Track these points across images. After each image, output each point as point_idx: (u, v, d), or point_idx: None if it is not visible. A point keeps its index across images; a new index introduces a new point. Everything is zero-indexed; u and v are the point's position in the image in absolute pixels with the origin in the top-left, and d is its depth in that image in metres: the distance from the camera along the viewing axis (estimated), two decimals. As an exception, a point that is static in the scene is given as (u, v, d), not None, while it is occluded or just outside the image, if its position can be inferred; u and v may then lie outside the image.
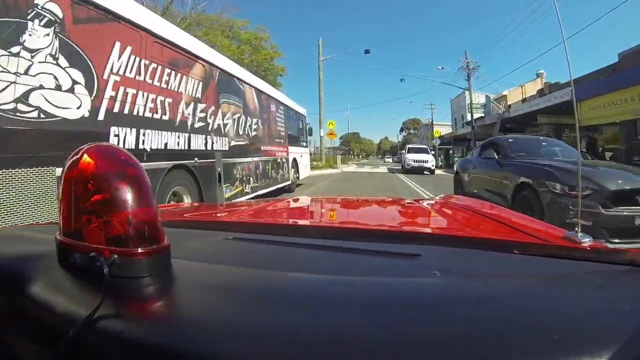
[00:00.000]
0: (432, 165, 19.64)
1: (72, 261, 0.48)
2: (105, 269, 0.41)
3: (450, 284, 0.52)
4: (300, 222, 1.27)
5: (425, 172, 19.13)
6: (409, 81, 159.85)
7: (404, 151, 22.86)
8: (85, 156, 0.48)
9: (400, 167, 23.90)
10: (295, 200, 2.01)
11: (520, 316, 0.39)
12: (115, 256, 0.44)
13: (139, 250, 0.46)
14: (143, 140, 3.30)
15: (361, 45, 38.09)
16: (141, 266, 0.46)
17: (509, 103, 25.05)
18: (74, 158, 0.48)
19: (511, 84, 32.00)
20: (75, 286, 0.46)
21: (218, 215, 1.41)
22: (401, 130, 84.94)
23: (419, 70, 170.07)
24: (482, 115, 30.37)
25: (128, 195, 0.46)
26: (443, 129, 45.29)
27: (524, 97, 23.65)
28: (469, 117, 37.02)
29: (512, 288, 0.49)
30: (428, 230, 1.10)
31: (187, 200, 4.01)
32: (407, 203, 1.61)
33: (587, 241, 0.74)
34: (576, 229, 0.81)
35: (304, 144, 11.59)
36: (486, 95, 26.52)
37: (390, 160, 58.94)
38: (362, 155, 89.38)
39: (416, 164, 19.51)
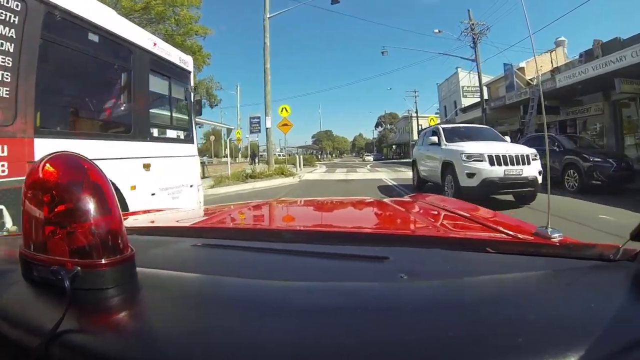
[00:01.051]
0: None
1: (35, 275, 0.46)
2: (66, 282, 0.40)
3: (416, 287, 0.53)
4: (270, 226, 1.24)
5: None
6: (390, 65, 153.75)
7: (421, 140, 9.28)
8: (48, 165, 0.46)
9: (407, 178, 12.82)
10: (268, 204, 1.88)
11: (484, 319, 0.39)
12: (79, 268, 0.43)
13: (103, 261, 0.45)
14: None
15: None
16: (105, 277, 0.45)
17: (527, 77, 18.63)
18: (36, 167, 0.47)
19: (518, 58, 25.97)
20: (39, 301, 0.45)
21: (188, 221, 1.39)
22: (376, 125, 79.04)
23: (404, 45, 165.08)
24: (485, 98, 23.67)
25: (91, 205, 0.45)
26: (426, 121, 39.14)
27: (554, 66, 16.94)
28: (464, 102, 30.46)
29: (479, 290, 0.50)
30: (397, 231, 1.11)
31: None
32: (379, 204, 1.65)
33: (557, 236, 0.78)
34: (546, 225, 0.83)
35: (184, 134, 4.91)
36: (506, 65, 19.29)
37: (370, 158, 49.60)
38: (335, 153, 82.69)
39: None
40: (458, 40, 20.10)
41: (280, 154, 54.45)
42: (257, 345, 0.35)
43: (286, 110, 15.49)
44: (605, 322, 0.36)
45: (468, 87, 27.95)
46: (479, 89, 29.86)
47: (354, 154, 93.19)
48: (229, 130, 21.98)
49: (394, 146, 60.48)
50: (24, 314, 0.43)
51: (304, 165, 24.01)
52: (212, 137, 23.75)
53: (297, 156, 20.76)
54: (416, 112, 36.76)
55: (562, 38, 21.00)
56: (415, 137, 51.55)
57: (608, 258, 0.58)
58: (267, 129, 15.58)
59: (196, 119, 5.39)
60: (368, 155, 52.49)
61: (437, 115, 46.62)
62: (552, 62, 18.24)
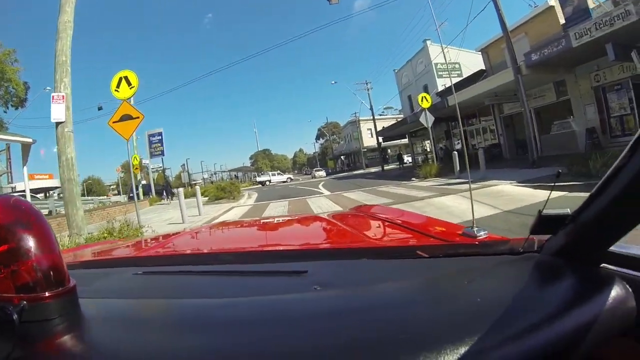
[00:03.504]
0: None
1: None
2: (14, 315, 0.43)
3: (325, 296, 0.58)
4: (202, 250, 1.28)
5: None
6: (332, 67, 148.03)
7: None
8: None
9: None
10: (208, 228, 2.03)
11: (387, 321, 0.43)
12: (25, 302, 0.45)
13: (46, 294, 0.47)
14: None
15: None
16: (49, 309, 0.47)
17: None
18: None
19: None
20: None
21: (130, 252, 1.43)
22: (317, 137, 71.38)
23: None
24: (482, 69, 15.84)
25: (32, 243, 0.48)
26: (381, 123, 31.32)
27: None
28: (440, 84, 23.08)
29: (387, 294, 0.55)
30: (319, 246, 1.18)
31: None
32: (315, 219, 1.82)
33: (482, 234, 0.87)
34: (472, 225, 0.92)
35: None
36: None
37: (322, 173, 38.63)
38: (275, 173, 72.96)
39: None
40: None
41: (200, 181, 43.22)
42: (191, 357, 0.40)
43: (128, 83, 5.78)
44: (508, 307, 0.42)
45: (443, 64, 20.31)
46: (456, 65, 23.20)
47: (295, 172, 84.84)
48: (26, 147, 11.37)
49: (342, 157, 52.48)
50: None
51: (216, 199, 13.89)
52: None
53: (196, 187, 10.73)
54: (371, 107, 28.58)
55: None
56: (368, 142, 44.02)
57: (517, 251, 0.67)
58: (57, 125, 5.56)
59: None
60: (319, 171, 41.16)
61: (398, 111, 39.30)
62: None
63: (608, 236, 0.51)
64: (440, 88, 20.70)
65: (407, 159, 32.21)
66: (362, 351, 0.37)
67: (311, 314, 0.49)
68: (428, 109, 12.83)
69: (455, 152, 11.51)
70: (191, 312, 0.55)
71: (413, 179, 13.77)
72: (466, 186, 8.57)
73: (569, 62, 10.48)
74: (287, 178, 34.85)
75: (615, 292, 0.46)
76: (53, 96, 5.44)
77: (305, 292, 0.60)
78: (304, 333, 0.43)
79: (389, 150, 42.28)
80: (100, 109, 20.06)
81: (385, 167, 28.49)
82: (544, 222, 0.59)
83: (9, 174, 24.70)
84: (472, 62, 20.31)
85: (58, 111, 5.38)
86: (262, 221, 2.13)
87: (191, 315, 0.54)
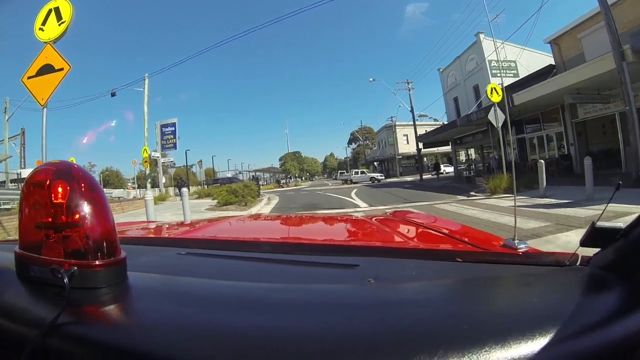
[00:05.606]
0: None
1: (31, 274, 0.50)
2: (65, 279, 0.44)
3: (381, 288, 0.59)
4: (251, 237, 1.27)
5: None
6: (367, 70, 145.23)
7: None
8: (45, 173, 0.50)
9: None
10: (250, 218, 2.10)
11: (441, 313, 0.44)
12: (75, 268, 0.46)
13: (97, 262, 0.49)
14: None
15: None
16: (99, 277, 0.49)
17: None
18: (35, 175, 0.51)
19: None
20: (34, 297, 0.49)
21: (173, 232, 1.45)
22: (350, 142, 69.09)
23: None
24: (551, 64, 13.01)
25: (86, 211, 0.49)
26: (421, 129, 28.45)
27: None
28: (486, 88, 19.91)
29: (441, 289, 0.57)
30: (369, 243, 1.19)
31: None
32: (355, 219, 1.84)
33: (523, 247, 0.84)
34: (513, 237, 0.93)
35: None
36: None
37: (364, 176, 32.93)
38: (304, 176, 71.52)
39: None
40: None
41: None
42: (238, 334, 0.40)
43: (58, 17, 3.78)
44: (555, 314, 0.41)
45: (497, 61, 17.45)
46: (512, 63, 20.10)
47: (325, 176, 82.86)
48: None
49: (375, 163, 49.73)
50: (20, 309, 0.46)
51: (225, 204, 11.88)
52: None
53: (184, 189, 8.62)
54: (411, 109, 25.70)
55: None
56: (402, 149, 40.97)
57: (563, 264, 0.66)
58: None
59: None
60: (361, 174, 34.18)
61: (433, 119, 36.11)
62: None
63: None
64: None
65: (445, 168, 29.22)
66: (421, 339, 0.37)
67: (368, 303, 0.49)
68: (497, 104, 10.02)
69: (542, 162, 8.70)
70: (242, 293, 0.54)
71: (473, 193, 10.98)
72: (581, 212, 5.75)
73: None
74: (371, 178, 30.80)
75: None
76: None
77: (359, 284, 0.61)
78: (363, 320, 0.43)
79: (424, 159, 39.20)
80: (113, 94, 18.82)
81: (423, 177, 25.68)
82: (596, 235, 0.57)
83: (23, 159, 24.63)
84: (529, 61, 17.40)
85: None
86: (304, 216, 2.29)
87: (243, 295, 0.52)
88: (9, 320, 0.45)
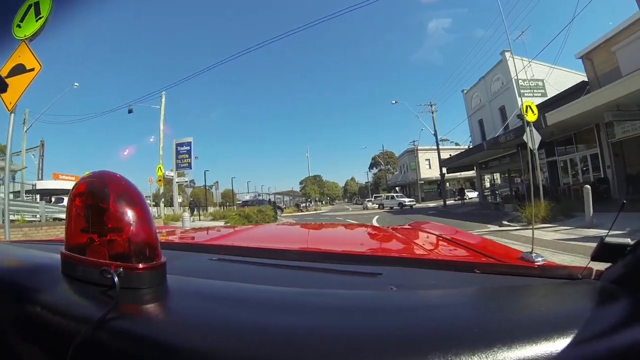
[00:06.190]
0: None
1: (78, 273, 0.54)
2: (115, 279, 0.47)
3: (403, 294, 0.63)
4: (278, 245, 1.29)
5: None
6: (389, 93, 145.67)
7: None
8: (93, 180, 0.55)
9: None
10: (276, 226, 2.37)
11: (455, 317, 0.47)
12: (121, 269, 0.50)
13: (140, 265, 0.52)
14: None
15: None
16: (142, 279, 0.52)
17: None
18: (83, 181, 0.55)
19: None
20: (80, 295, 0.52)
21: (203, 239, 1.54)
22: (371, 166, 68.23)
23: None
24: (584, 80, 12.22)
25: (131, 218, 0.53)
26: (444, 153, 27.41)
27: None
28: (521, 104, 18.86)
29: (459, 297, 0.59)
30: (390, 253, 1.23)
31: None
32: (377, 229, 1.95)
33: (540, 260, 0.88)
34: (531, 251, 0.95)
35: None
36: None
37: (375, 205, 33.90)
38: (325, 200, 70.82)
39: None
40: None
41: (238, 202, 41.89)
42: (269, 333, 0.42)
43: (36, 12, 3.45)
44: (563, 323, 0.42)
45: (524, 80, 16.61)
46: (539, 82, 19.03)
47: (346, 200, 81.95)
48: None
49: (396, 188, 48.50)
50: (66, 307, 0.49)
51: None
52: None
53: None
54: (435, 132, 24.81)
55: None
56: (424, 174, 39.77)
57: (576, 277, 0.69)
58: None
59: None
60: (371, 201, 35.76)
61: (457, 144, 34.94)
62: None
63: None
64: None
65: (468, 194, 27.87)
66: (435, 341, 0.39)
67: (389, 308, 0.51)
68: (533, 124, 9.13)
69: (588, 187, 7.68)
70: (273, 296, 0.56)
71: (505, 222, 9.93)
72: None
73: None
74: (399, 203, 29.69)
75: None
76: None
77: (382, 291, 0.65)
78: (384, 322, 0.45)
79: (447, 184, 37.80)
80: (130, 111, 19.17)
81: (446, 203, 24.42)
82: (605, 250, 0.60)
83: (40, 171, 25.30)
84: (557, 80, 16.43)
85: None
86: (325, 226, 2.29)
87: (273, 298, 0.54)
88: (57, 315, 0.48)
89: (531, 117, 9.13)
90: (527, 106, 9.27)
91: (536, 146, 8.94)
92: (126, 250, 0.52)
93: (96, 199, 0.52)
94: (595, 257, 0.62)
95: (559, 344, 0.38)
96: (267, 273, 0.81)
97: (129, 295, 0.49)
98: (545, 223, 8.53)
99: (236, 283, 0.64)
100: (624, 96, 9.06)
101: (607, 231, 0.64)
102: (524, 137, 8.98)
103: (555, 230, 7.48)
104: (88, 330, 0.42)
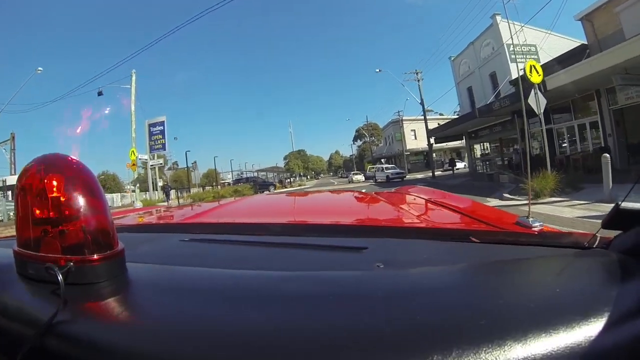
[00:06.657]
0: None
1: (30, 272, 0.49)
2: (59, 277, 0.43)
3: (390, 275, 0.55)
4: (253, 220, 1.21)
5: None
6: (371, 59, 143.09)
7: None
8: (39, 167, 0.48)
9: None
10: (251, 198, 2.00)
11: (454, 305, 0.41)
12: (71, 264, 0.45)
13: (95, 256, 0.47)
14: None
15: None
16: (97, 272, 0.47)
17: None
18: (28, 168, 0.49)
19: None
20: (34, 296, 0.48)
21: (173, 217, 1.41)
22: (355, 139, 67.37)
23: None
24: (583, 43, 11.38)
25: (82, 204, 0.48)
26: (430, 123, 26.71)
27: None
28: (513, 70, 17.58)
29: (456, 276, 0.53)
30: (377, 223, 1.12)
31: None
32: (364, 196, 1.69)
33: (537, 225, 0.82)
34: (527, 215, 0.88)
35: None
36: None
37: (360, 177, 34.62)
38: (309, 175, 70.07)
39: None
40: None
41: (228, 181, 40.79)
42: (240, 330, 0.38)
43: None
44: (587, 299, 0.39)
45: (517, 45, 15.77)
46: (532, 48, 18.18)
47: (331, 174, 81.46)
48: None
49: (381, 160, 48.04)
50: (19, 309, 0.45)
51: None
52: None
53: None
54: (421, 101, 23.98)
55: None
56: (410, 145, 39.23)
57: (583, 245, 0.64)
58: None
59: None
60: (357, 174, 36.38)
61: (441, 114, 34.33)
62: None
63: None
64: (515, 76, 16.16)
65: (459, 164, 27.64)
66: (434, 336, 0.34)
67: (376, 294, 0.45)
68: (523, 90, 8.37)
69: (607, 156, 7.02)
70: (247, 283, 0.51)
71: (506, 195, 9.06)
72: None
73: None
74: (387, 176, 26.94)
75: None
76: None
77: (368, 270, 0.59)
78: (370, 313, 0.40)
79: (434, 155, 37.54)
80: (100, 94, 17.52)
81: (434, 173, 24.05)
82: (620, 217, 0.55)
83: (13, 165, 23.57)
84: (551, 46, 15.70)
85: None
86: (309, 194, 2.14)
87: (247, 286, 0.50)
88: (7, 319, 0.44)
89: (536, 78, 8.31)
90: (531, 66, 8.44)
91: (542, 110, 8.23)
92: (81, 240, 0.47)
93: (44, 186, 0.47)
94: (607, 224, 0.56)
95: (586, 331, 0.33)
96: (243, 253, 0.74)
97: (83, 291, 0.45)
98: (554, 196, 7.97)
99: (206, 269, 0.59)
100: (633, 58, 8.37)
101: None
102: (529, 101, 8.25)
103: (571, 206, 6.84)
104: (35, 337, 0.38)
